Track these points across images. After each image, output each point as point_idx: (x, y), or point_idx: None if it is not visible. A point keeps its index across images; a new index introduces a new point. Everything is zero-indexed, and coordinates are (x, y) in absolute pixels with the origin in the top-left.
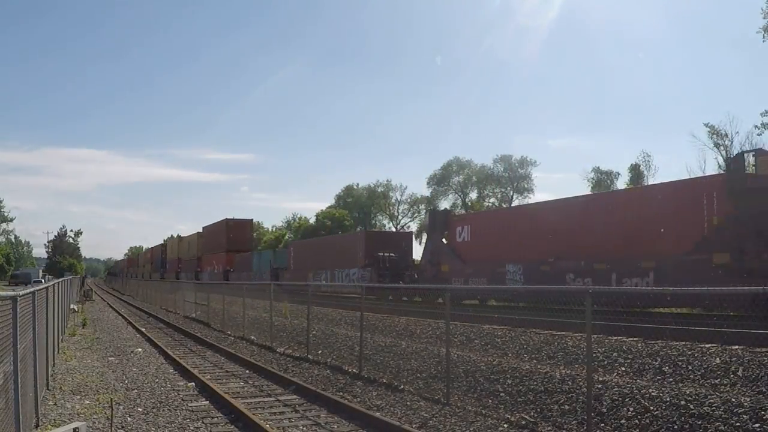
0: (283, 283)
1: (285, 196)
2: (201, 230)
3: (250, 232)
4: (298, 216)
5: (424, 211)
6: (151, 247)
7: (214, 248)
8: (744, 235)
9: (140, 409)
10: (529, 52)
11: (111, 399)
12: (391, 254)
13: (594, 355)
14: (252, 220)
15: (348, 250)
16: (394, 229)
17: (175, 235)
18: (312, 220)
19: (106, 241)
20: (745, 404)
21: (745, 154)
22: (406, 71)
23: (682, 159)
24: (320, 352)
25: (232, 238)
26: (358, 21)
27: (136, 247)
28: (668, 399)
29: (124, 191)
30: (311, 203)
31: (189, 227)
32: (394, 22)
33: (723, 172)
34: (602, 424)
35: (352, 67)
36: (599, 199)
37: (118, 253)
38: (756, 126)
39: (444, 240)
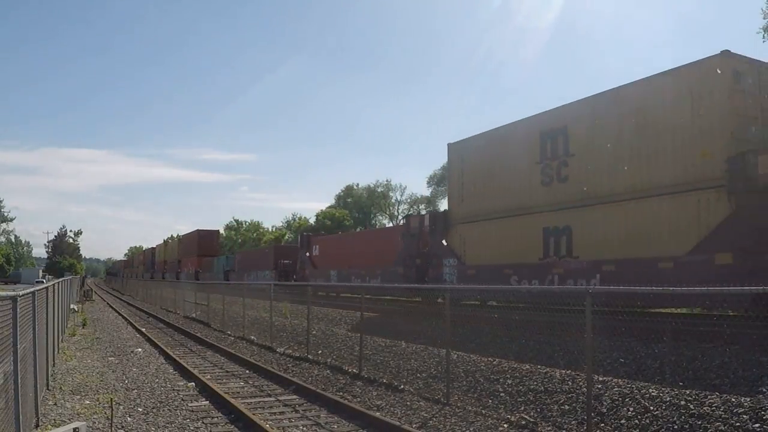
0: (286, 284)
1: (285, 195)
2: (180, 237)
3: (217, 240)
4: (298, 216)
5: (424, 211)
6: (144, 250)
7: (189, 253)
8: None
9: (140, 409)
10: (528, 52)
11: (111, 399)
12: (287, 261)
13: (594, 355)
14: (218, 230)
15: (266, 258)
16: None
17: (174, 235)
18: (312, 220)
19: (106, 241)
20: (745, 404)
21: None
22: (402, 71)
23: None
24: (320, 352)
25: (202, 245)
26: (360, 20)
27: (135, 247)
28: (668, 399)
29: (124, 191)
30: (311, 203)
31: (189, 227)
32: (395, 22)
33: None
34: (602, 424)
35: (353, 66)
36: (365, 234)
37: (118, 253)
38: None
39: (307, 253)
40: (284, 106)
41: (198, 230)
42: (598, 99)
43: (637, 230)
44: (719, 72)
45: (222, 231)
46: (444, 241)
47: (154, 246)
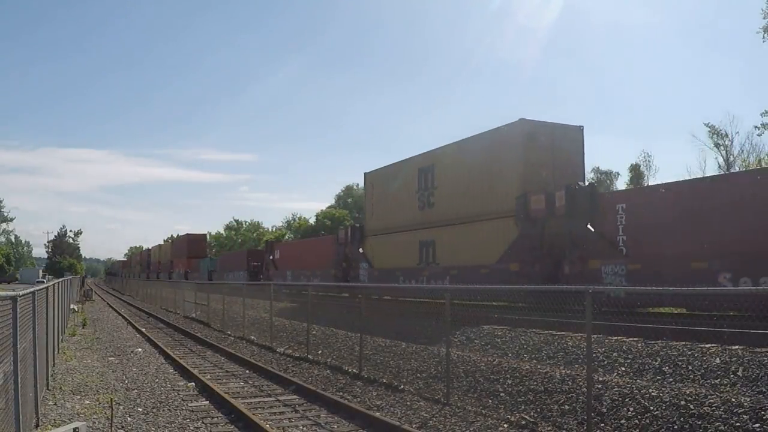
0: (283, 284)
1: (285, 195)
2: (172, 240)
3: (204, 243)
4: (298, 216)
5: None
6: (141, 252)
7: (180, 255)
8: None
9: (140, 409)
10: (529, 52)
11: (111, 399)
12: (256, 263)
13: (594, 355)
14: (206, 234)
15: (241, 260)
16: None
17: (174, 235)
18: (312, 221)
19: (106, 241)
20: (745, 404)
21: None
22: (402, 71)
23: (682, 159)
24: (320, 352)
25: (191, 248)
26: (358, 21)
27: (135, 247)
28: (668, 399)
29: (124, 191)
30: (311, 203)
31: (189, 227)
32: (392, 21)
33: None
34: (602, 424)
35: (353, 67)
36: (312, 241)
37: (118, 254)
38: (756, 126)
39: (271, 257)
40: (285, 106)
41: (188, 234)
42: (451, 147)
43: (472, 245)
44: (516, 134)
45: (222, 231)
46: (360, 249)
47: (150, 248)
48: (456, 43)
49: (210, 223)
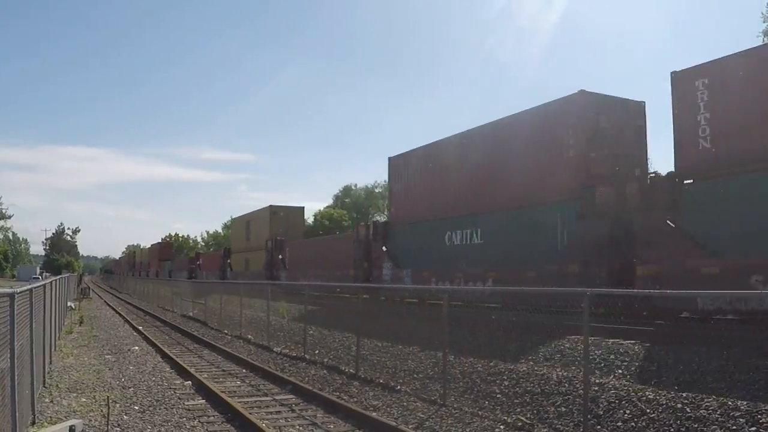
0: (281, 283)
1: (283, 195)
2: (150, 246)
3: (170, 249)
4: None
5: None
6: (126, 254)
7: (153, 257)
8: None
9: (137, 408)
10: (530, 54)
11: (108, 397)
12: (193, 265)
13: (591, 357)
14: (172, 242)
15: (185, 262)
16: None
17: (173, 234)
18: (310, 220)
19: (104, 239)
20: (742, 408)
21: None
22: (402, 71)
23: None
24: (317, 351)
25: (162, 252)
26: (358, 21)
27: (133, 245)
28: (665, 402)
29: (122, 189)
30: (309, 203)
31: (186, 226)
32: (392, 22)
33: None
34: (598, 427)
35: (353, 67)
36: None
37: (116, 251)
38: None
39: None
40: (284, 108)
41: (159, 242)
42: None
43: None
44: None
45: (220, 230)
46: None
47: (134, 252)
48: (464, 43)
49: (209, 222)
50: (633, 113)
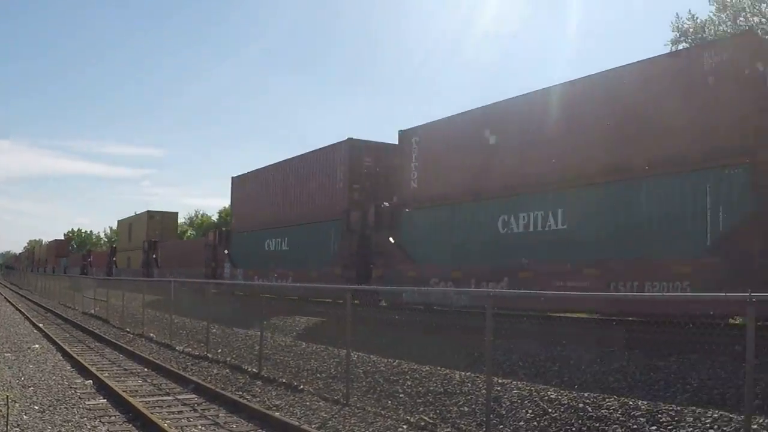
0: (177, 280)
1: (188, 190)
2: (48, 242)
3: (67, 247)
4: (201, 213)
5: None
6: (25, 249)
7: (51, 254)
8: None
9: (36, 407)
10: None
11: (7, 396)
12: (85, 262)
13: (493, 357)
14: (69, 240)
15: (83, 259)
16: None
17: (76, 229)
18: (215, 217)
19: (3, 233)
20: (642, 407)
21: None
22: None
23: None
24: (220, 350)
25: (59, 249)
26: (294, 24)
27: (35, 240)
28: (566, 402)
29: (24, 182)
30: (215, 200)
31: (91, 221)
32: (330, 24)
33: None
34: (501, 426)
35: (290, 68)
36: None
37: (18, 246)
38: None
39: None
40: (193, 107)
41: (56, 240)
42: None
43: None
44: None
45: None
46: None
47: (34, 248)
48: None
49: (114, 217)
50: (393, 154)
